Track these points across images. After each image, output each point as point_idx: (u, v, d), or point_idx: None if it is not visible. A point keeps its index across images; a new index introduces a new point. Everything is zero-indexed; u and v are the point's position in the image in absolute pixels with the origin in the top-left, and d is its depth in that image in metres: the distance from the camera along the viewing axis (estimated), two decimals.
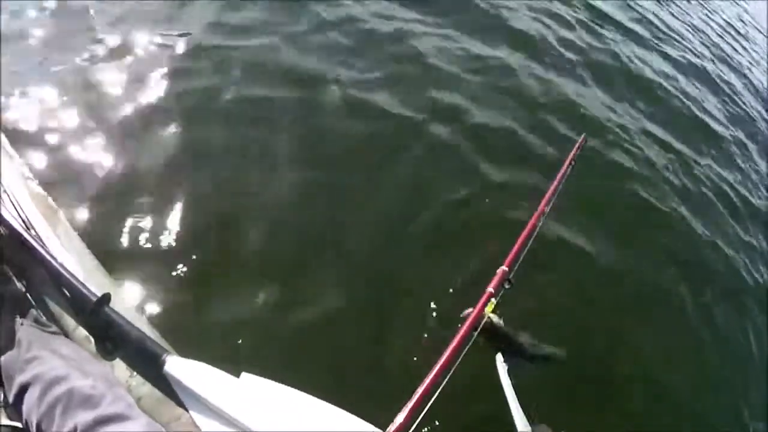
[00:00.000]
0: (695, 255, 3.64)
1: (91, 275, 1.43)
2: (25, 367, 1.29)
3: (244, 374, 1.33)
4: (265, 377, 1.32)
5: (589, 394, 2.46)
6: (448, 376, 1.40)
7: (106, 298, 1.36)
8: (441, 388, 1.36)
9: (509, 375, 1.64)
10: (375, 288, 2.45)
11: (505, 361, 1.79)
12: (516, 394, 1.54)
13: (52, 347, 1.33)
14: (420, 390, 1.35)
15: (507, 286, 1.84)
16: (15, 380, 1.29)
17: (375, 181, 2.95)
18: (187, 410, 1.30)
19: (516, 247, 1.96)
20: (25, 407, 1.26)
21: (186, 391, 1.30)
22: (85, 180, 2.36)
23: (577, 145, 2.45)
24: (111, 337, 1.37)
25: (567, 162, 2.30)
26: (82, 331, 1.38)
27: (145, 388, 1.33)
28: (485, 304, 1.73)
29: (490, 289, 1.78)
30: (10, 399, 1.31)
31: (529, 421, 1.44)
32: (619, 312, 2.94)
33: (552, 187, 2.14)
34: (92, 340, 1.37)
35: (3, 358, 1.34)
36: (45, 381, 1.23)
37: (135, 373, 1.34)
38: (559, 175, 2.19)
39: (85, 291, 1.36)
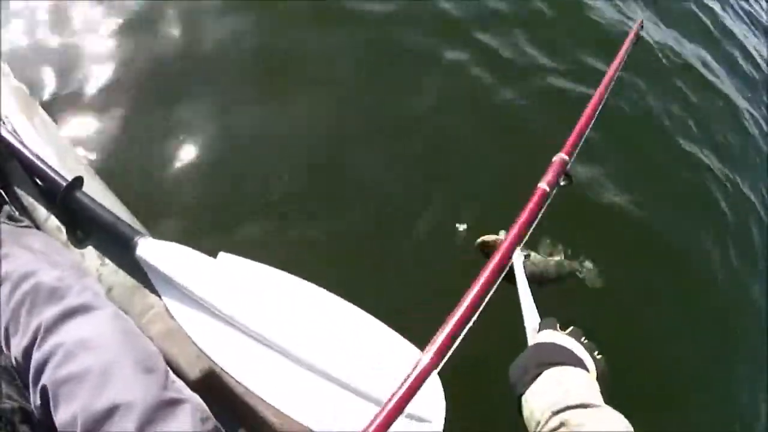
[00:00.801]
0: None
1: (64, 163, 1.31)
2: None
3: (221, 254, 1.18)
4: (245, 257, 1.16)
5: None
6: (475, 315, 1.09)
7: (77, 182, 1.24)
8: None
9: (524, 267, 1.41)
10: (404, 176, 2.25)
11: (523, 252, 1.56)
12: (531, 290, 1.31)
13: (22, 242, 1.21)
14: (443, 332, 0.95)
15: (563, 183, 1.35)
16: None
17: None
18: (160, 297, 1.16)
19: (577, 130, 1.47)
20: None
21: (159, 276, 1.16)
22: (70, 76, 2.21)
23: (634, 29, 2.15)
24: (82, 224, 1.25)
25: (625, 45, 1.99)
26: (53, 221, 1.26)
27: (117, 277, 1.20)
28: (535, 212, 1.23)
29: (543, 185, 1.27)
30: None
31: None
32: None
33: (611, 70, 1.75)
34: (63, 229, 1.25)
35: None
36: (14, 278, 1.10)
37: (106, 261, 1.22)
38: (617, 59, 1.83)
39: (56, 177, 1.24)
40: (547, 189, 1.28)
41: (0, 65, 1.47)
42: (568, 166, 1.36)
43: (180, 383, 1.02)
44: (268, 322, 1.09)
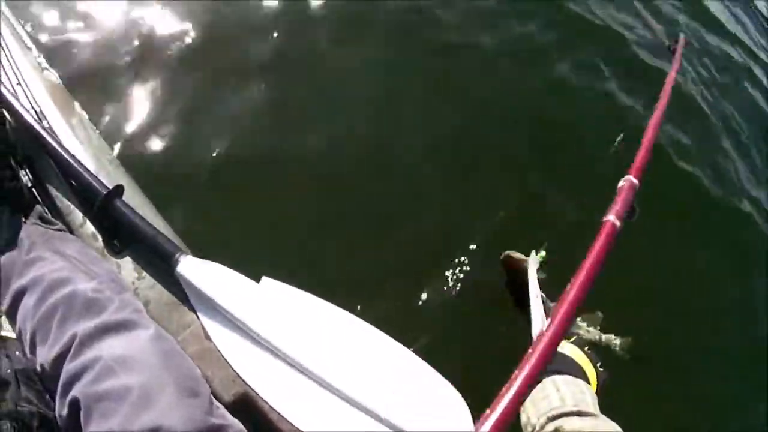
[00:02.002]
0: None
1: (103, 167, 1.28)
2: (24, 270, 1.14)
3: (264, 279, 1.16)
4: (289, 283, 1.15)
5: None
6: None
7: (118, 190, 1.21)
8: None
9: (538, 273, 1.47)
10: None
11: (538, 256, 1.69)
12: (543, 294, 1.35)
13: (55, 247, 1.18)
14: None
15: (626, 216, 1.10)
16: (12, 284, 1.14)
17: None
18: (198, 317, 1.14)
19: (643, 151, 1.31)
20: (20, 314, 1.10)
21: (198, 295, 1.14)
22: (108, 75, 2.21)
23: (679, 47, 2.21)
24: (120, 234, 1.22)
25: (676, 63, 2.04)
26: (89, 227, 1.24)
27: (154, 292, 1.18)
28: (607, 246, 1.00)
29: (611, 218, 1.04)
30: (5, 305, 1.16)
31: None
32: None
33: (667, 87, 1.72)
34: (99, 237, 1.23)
35: (2, 259, 1.20)
36: (45, 285, 1.08)
37: (144, 275, 1.20)
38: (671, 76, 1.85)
39: (94, 182, 1.21)
40: (618, 223, 1.03)
41: (36, 57, 1.44)
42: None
43: (223, 409, 1.01)
44: (308, 351, 1.09)
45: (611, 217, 1.03)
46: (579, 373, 1.05)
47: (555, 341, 0.87)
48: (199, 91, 2.29)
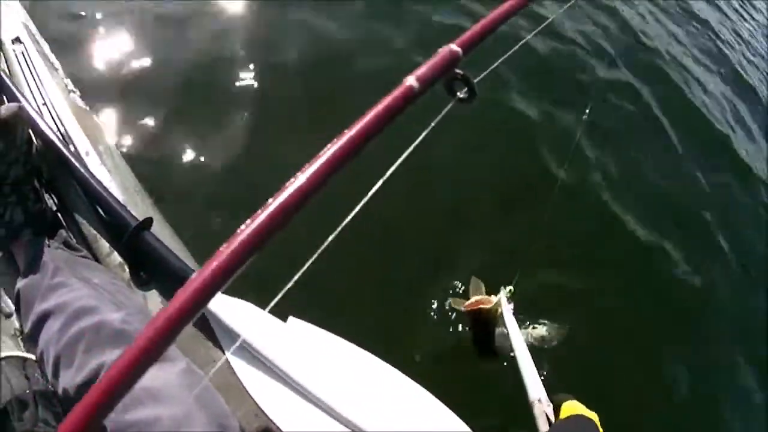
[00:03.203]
0: None
1: (131, 198, 1.31)
2: (49, 294, 1.16)
3: (291, 318, 1.21)
4: (314, 323, 1.20)
5: None
6: None
7: (147, 222, 1.24)
8: None
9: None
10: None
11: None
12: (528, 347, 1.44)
13: (81, 274, 1.20)
14: None
15: (462, 95, 0.92)
16: (35, 308, 1.16)
17: None
18: (224, 352, 1.18)
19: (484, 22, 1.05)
20: (42, 338, 1.12)
21: (225, 330, 1.18)
22: (134, 100, 2.22)
23: None
24: (147, 265, 1.25)
25: None
26: (115, 257, 1.26)
27: None
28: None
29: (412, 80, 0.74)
30: (27, 327, 1.18)
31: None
32: None
33: None
34: (126, 267, 1.25)
35: (24, 281, 1.21)
36: (70, 311, 1.10)
37: None
38: None
39: (123, 213, 1.24)
40: (415, 86, 0.82)
41: (63, 78, 1.44)
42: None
43: None
44: (331, 390, 1.14)
45: (411, 78, 0.78)
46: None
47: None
48: (236, 125, 2.34)
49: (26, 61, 1.43)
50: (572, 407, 1.27)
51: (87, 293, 1.14)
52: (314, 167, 0.63)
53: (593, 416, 1.24)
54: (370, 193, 0.69)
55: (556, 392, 1.35)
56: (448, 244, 2.23)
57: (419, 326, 1.95)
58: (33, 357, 1.18)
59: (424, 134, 0.80)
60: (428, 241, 2.23)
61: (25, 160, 1.29)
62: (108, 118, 2.07)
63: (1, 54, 1.46)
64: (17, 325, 1.30)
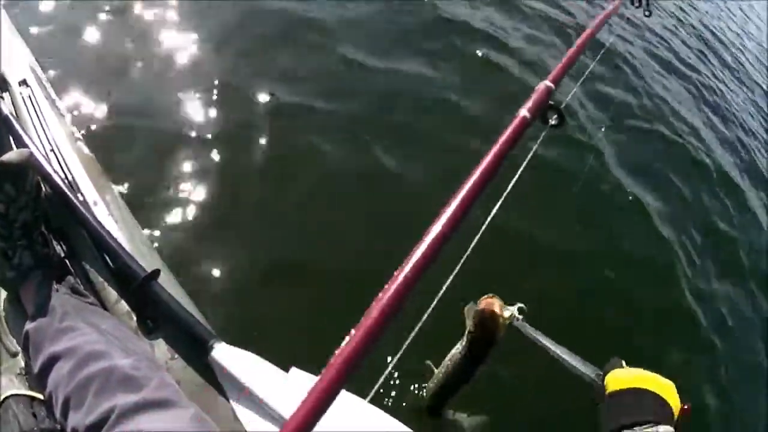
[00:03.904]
0: None
1: (138, 248, 1.36)
2: (58, 337, 1.21)
3: (293, 369, 1.28)
4: (315, 374, 1.27)
5: None
6: None
7: (155, 273, 1.29)
8: None
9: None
10: None
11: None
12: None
13: (90, 320, 1.25)
14: None
15: (554, 122, 1.12)
16: (44, 350, 1.21)
17: None
18: (228, 401, 1.25)
19: (569, 56, 1.35)
20: (52, 379, 1.17)
21: (230, 380, 1.24)
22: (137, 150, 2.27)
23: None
24: (155, 315, 1.30)
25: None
26: (123, 306, 1.31)
27: (186, 373, 1.27)
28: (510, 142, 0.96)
29: (524, 112, 1.05)
30: (36, 368, 1.22)
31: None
32: None
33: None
34: (134, 316, 1.30)
35: (33, 324, 1.26)
36: (80, 355, 1.15)
37: (177, 356, 1.28)
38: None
39: (131, 263, 1.29)
40: (528, 116, 1.05)
41: (69, 125, 1.48)
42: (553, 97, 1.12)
43: None
44: None
45: (523, 111, 1.04)
46: (659, 410, 1.00)
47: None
48: (236, 177, 2.43)
49: (33, 105, 1.46)
50: (617, 379, 1.12)
51: (96, 338, 1.19)
52: (457, 200, 0.85)
53: (651, 381, 1.08)
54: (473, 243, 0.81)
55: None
56: None
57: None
58: (41, 396, 1.23)
59: (525, 162, 0.98)
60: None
61: (34, 206, 1.34)
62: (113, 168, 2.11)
63: (9, 96, 1.49)
64: (22, 364, 1.35)
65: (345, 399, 1.26)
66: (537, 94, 1.09)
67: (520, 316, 1.55)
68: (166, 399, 1.08)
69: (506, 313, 1.51)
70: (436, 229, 0.80)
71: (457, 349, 1.60)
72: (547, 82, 1.14)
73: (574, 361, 1.31)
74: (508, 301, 1.55)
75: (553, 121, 1.10)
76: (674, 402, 1.04)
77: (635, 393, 1.06)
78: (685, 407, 1.05)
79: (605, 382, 1.13)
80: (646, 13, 2.33)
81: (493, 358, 1.51)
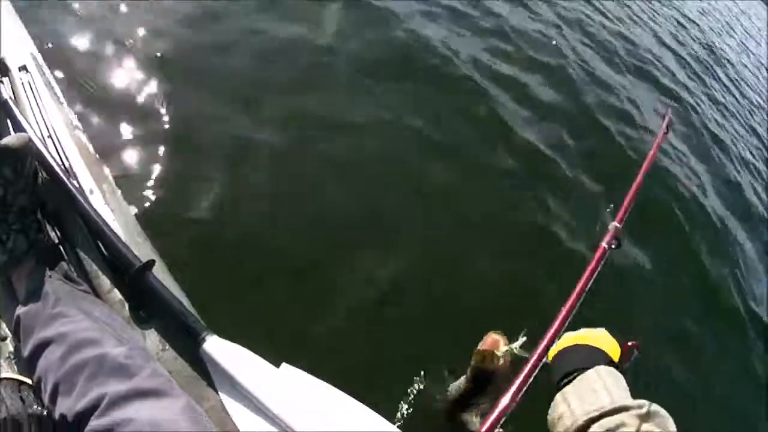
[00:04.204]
0: None
1: (133, 238, 1.36)
2: (50, 323, 1.21)
3: (284, 365, 1.29)
4: (305, 370, 1.28)
5: None
6: None
7: (150, 264, 1.30)
8: None
9: None
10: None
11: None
12: None
13: (82, 307, 1.25)
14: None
15: (614, 246, 1.79)
16: (35, 335, 1.21)
17: None
18: (218, 393, 1.25)
19: (627, 201, 1.99)
20: (41, 365, 1.17)
21: (221, 373, 1.25)
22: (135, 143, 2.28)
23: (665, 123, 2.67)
24: (148, 305, 1.30)
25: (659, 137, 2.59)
26: (116, 294, 1.31)
27: (176, 364, 1.27)
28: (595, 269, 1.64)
29: (604, 244, 1.76)
30: (25, 353, 1.22)
31: None
32: None
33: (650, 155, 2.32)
34: (126, 305, 1.31)
35: (24, 309, 1.26)
36: (72, 341, 1.15)
37: (168, 347, 1.28)
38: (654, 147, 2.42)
39: (126, 253, 1.29)
40: (606, 247, 1.76)
41: (68, 113, 1.48)
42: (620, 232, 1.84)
43: None
44: None
45: (603, 244, 1.77)
46: (599, 357, 1.12)
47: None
48: (231, 166, 2.44)
49: (32, 91, 1.46)
50: (553, 349, 1.25)
51: (89, 326, 1.19)
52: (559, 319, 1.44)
53: (582, 337, 1.21)
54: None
55: None
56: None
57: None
58: (29, 381, 1.23)
59: (591, 281, 1.31)
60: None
61: (31, 191, 1.34)
62: (110, 158, 2.11)
63: (8, 81, 1.49)
64: (11, 348, 1.34)
65: (342, 402, 1.28)
66: (610, 232, 1.83)
67: (519, 347, 1.69)
68: (158, 388, 1.08)
69: (503, 350, 1.67)
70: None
71: (464, 378, 1.76)
72: (616, 223, 1.87)
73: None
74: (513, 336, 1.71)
75: (614, 246, 1.79)
76: (609, 347, 1.16)
77: (565, 351, 1.19)
78: (630, 344, 1.18)
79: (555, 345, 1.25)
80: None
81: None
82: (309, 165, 2.66)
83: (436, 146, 3.18)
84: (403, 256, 2.42)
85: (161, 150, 2.37)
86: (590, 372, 1.06)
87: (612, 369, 1.08)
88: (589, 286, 1.57)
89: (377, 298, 2.23)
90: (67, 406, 1.08)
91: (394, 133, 3.13)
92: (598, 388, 1.01)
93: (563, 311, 1.48)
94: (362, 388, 1.31)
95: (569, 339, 1.23)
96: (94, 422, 1.02)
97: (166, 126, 2.51)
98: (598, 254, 1.71)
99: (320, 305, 2.07)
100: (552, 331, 1.39)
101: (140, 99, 2.60)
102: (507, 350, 1.66)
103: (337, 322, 2.05)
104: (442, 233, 2.68)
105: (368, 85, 3.36)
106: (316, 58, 3.37)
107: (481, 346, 1.70)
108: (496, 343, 1.68)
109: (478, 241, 2.73)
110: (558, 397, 1.06)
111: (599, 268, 1.64)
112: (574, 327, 1.31)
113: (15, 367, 1.32)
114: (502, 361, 1.66)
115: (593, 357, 1.13)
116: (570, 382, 1.09)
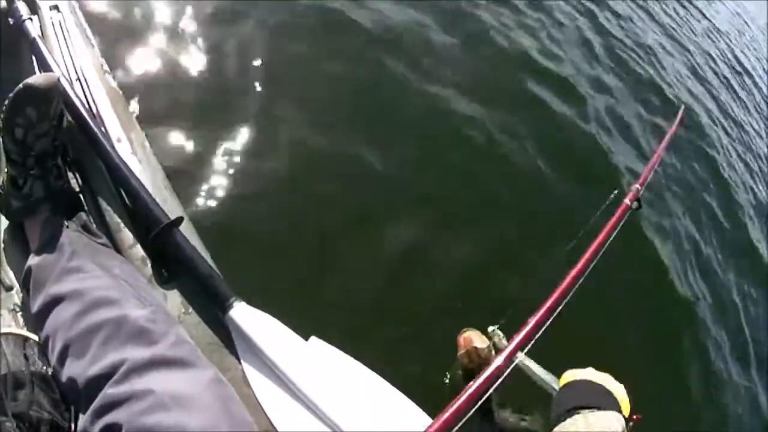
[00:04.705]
0: None
1: (160, 193, 1.28)
2: (65, 278, 1.12)
3: (313, 338, 1.22)
4: (335, 344, 1.21)
5: None
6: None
7: (178, 221, 1.22)
8: None
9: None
10: None
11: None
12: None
13: (101, 262, 1.16)
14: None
15: (635, 207, 1.93)
16: (47, 289, 1.12)
17: None
18: (240, 363, 1.18)
19: (650, 166, 2.20)
20: (51, 322, 1.08)
21: (246, 341, 1.17)
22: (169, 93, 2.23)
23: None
24: (173, 265, 1.22)
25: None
26: (138, 251, 1.23)
27: (199, 329, 1.19)
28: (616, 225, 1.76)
29: (626, 201, 1.90)
30: (34, 308, 1.13)
31: None
32: None
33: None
34: (149, 263, 1.22)
35: (37, 259, 1.17)
36: (88, 299, 1.06)
37: (191, 310, 1.20)
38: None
39: (153, 207, 1.21)
40: (629, 203, 1.92)
41: (98, 57, 1.40)
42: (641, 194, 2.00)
43: None
44: (344, 413, 1.15)
45: (626, 200, 1.92)
46: (610, 403, 1.13)
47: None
48: (259, 139, 2.37)
49: (62, 32, 1.38)
50: (572, 373, 1.26)
51: (107, 283, 1.10)
52: (574, 271, 1.52)
53: (603, 379, 1.21)
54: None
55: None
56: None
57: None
58: (35, 338, 1.14)
59: (611, 238, 1.48)
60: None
61: (55, 135, 1.25)
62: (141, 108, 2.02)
63: (38, 20, 1.40)
64: (17, 300, 1.26)
65: (370, 380, 1.21)
66: (632, 191, 1.98)
67: (498, 338, 1.80)
68: (183, 358, 1.00)
69: (482, 345, 1.72)
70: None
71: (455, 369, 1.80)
72: (638, 185, 2.03)
73: (541, 372, 1.54)
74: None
75: (635, 206, 1.94)
76: (623, 402, 1.17)
77: (587, 383, 1.19)
78: (635, 417, 1.17)
79: (560, 378, 1.27)
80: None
81: None
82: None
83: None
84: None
85: (193, 109, 2.29)
86: (611, 414, 1.08)
87: (606, 414, 1.10)
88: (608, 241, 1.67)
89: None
90: (77, 369, 1.00)
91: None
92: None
93: (580, 263, 1.57)
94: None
95: (586, 372, 1.24)
96: (109, 390, 0.94)
97: (200, 83, 2.44)
98: (620, 211, 1.84)
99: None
100: (568, 279, 1.50)
101: (174, 52, 2.52)
102: (488, 345, 1.73)
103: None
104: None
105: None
106: None
107: (460, 350, 1.74)
108: (470, 340, 1.73)
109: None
110: (579, 417, 1.08)
111: (620, 226, 1.76)
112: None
113: (20, 320, 1.23)
114: (486, 351, 1.71)
115: (607, 401, 1.14)
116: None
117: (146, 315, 1.04)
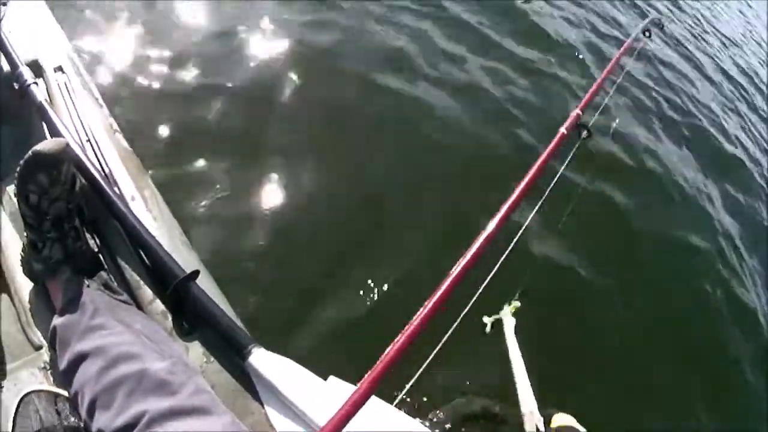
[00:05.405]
0: None
1: (176, 247, 1.33)
2: (88, 335, 1.18)
3: (331, 378, 1.28)
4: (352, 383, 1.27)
5: None
6: None
7: (194, 274, 1.27)
8: None
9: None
10: None
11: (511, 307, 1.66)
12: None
13: (122, 318, 1.22)
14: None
15: (585, 136, 1.75)
16: (72, 346, 1.18)
17: None
18: (263, 407, 1.24)
19: (593, 89, 1.94)
20: (78, 378, 1.14)
21: (267, 386, 1.23)
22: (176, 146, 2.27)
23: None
24: (192, 316, 1.28)
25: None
26: (158, 305, 1.29)
27: (221, 377, 1.25)
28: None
29: (562, 129, 1.69)
30: (62, 365, 1.19)
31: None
32: None
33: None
34: (169, 316, 1.28)
35: (62, 319, 1.23)
36: (111, 355, 1.12)
37: (213, 359, 1.26)
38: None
39: (169, 262, 1.27)
40: (565, 132, 1.69)
41: (107, 116, 1.45)
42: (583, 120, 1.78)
43: None
44: None
45: (562, 129, 1.71)
46: None
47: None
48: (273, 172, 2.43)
49: (69, 93, 1.43)
50: (565, 419, 1.39)
51: (129, 339, 1.16)
52: (508, 202, 1.36)
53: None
54: (502, 258, 1.14)
55: (547, 407, 1.44)
56: None
57: None
58: (65, 393, 1.20)
59: (562, 170, 1.61)
60: None
61: (68, 198, 1.30)
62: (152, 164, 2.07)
63: (43, 83, 1.45)
64: (47, 358, 1.32)
65: (375, 406, 1.27)
66: (570, 118, 1.74)
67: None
68: (201, 406, 1.06)
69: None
70: (488, 228, 1.33)
71: None
72: (578, 110, 1.78)
73: (523, 384, 1.47)
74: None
75: (584, 136, 1.75)
76: None
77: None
78: None
79: (552, 419, 1.38)
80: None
81: None
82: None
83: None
84: None
85: (205, 153, 2.34)
86: None
87: None
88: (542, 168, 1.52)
89: None
90: (105, 421, 1.05)
91: None
92: None
93: (516, 191, 1.44)
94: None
95: (574, 422, 1.38)
96: None
97: (210, 126, 2.49)
98: (556, 139, 1.66)
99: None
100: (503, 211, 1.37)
101: (182, 101, 2.57)
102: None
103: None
104: None
105: None
106: None
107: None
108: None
109: None
110: None
111: (555, 152, 1.60)
112: None
113: (51, 377, 1.29)
114: None
115: None
116: None
117: (166, 367, 1.10)
